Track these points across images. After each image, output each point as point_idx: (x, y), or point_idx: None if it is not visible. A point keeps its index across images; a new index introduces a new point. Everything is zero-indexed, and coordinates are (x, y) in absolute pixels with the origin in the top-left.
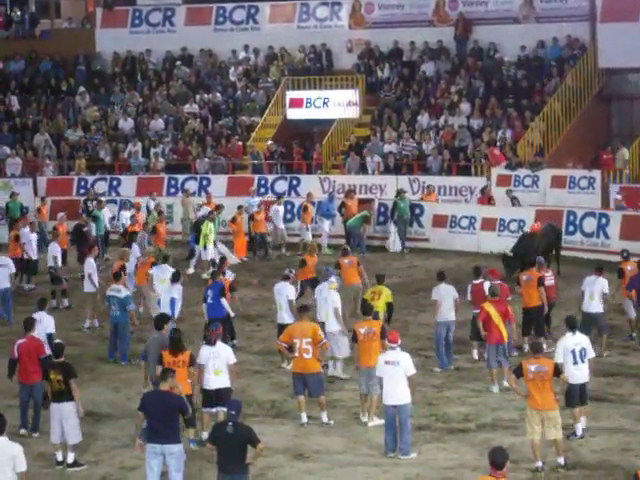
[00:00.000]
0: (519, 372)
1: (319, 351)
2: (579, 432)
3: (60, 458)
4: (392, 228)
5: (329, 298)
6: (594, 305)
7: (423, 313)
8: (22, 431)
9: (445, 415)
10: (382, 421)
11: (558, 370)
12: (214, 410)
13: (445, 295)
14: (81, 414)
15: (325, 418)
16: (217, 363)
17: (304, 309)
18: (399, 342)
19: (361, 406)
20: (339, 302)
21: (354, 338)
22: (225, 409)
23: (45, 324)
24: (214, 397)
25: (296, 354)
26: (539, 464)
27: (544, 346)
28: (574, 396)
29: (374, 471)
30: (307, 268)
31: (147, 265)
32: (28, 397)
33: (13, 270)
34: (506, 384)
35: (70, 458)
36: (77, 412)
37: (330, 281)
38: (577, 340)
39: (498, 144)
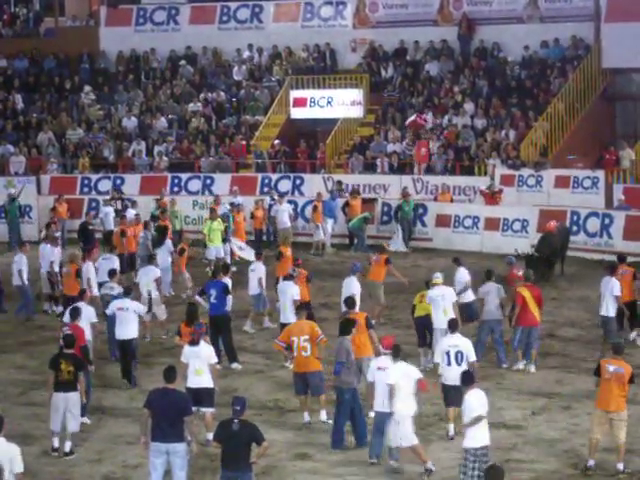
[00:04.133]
0: (597, 371)
1: (317, 348)
2: (451, 432)
3: (56, 445)
4: (398, 229)
5: (446, 293)
6: (604, 308)
7: None
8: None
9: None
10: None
11: (633, 377)
12: (194, 409)
13: (491, 294)
14: (84, 402)
15: (324, 416)
16: (198, 363)
17: (302, 307)
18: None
19: None
20: (454, 296)
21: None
22: (205, 409)
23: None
24: (194, 396)
25: (294, 353)
26: (591, 463)
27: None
28: (449, 397)
29: (377, 470)
30: (285, 260)
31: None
32: None
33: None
34: (532, 370)
35: (67, 447)
36: (80, 401)
37: (435, 276)
38: (453, 342)
39: (438, 142)
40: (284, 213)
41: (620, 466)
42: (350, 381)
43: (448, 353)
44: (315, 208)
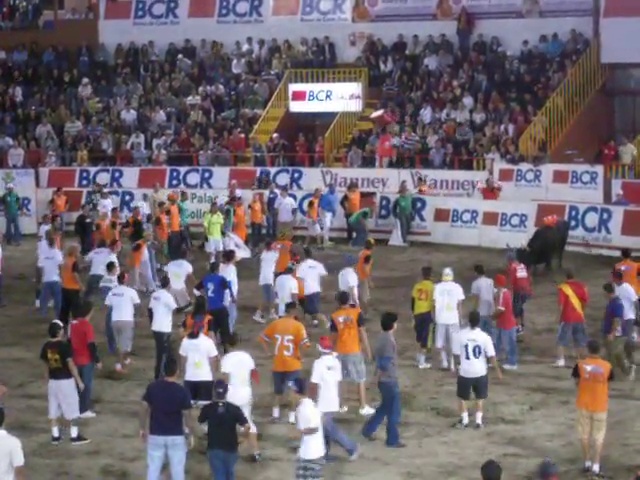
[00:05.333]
0: (576, 372)
1: (300, 350)
2: (465, 421)
3: (56, 434)
4: (397, 224)
5: (453, 289)
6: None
7: None
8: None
9: (446, 409)
10: (372, 410)
11: (613, 374)
12: (192, 402)
13: (484, 289)
14: (81, 388)
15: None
16: (197, 356)
17: (291, 305)
18: (332, 347)
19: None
20: (461, 294)
21: (333, 327)
22: (203, 402)
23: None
24: (192, 390)
25: (276, 351)
26: (588, 464)
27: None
28: (466, 389)
29: (374, 463)
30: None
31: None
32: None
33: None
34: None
35: (73, 432)
36: (76, 388)
37: (446, 273)
38: (472, 336)
39: (395, 140)
40: (287, 206)
41: (596, 467)
42: (396, 376)
43: (466, 347)
44: (311, 204)
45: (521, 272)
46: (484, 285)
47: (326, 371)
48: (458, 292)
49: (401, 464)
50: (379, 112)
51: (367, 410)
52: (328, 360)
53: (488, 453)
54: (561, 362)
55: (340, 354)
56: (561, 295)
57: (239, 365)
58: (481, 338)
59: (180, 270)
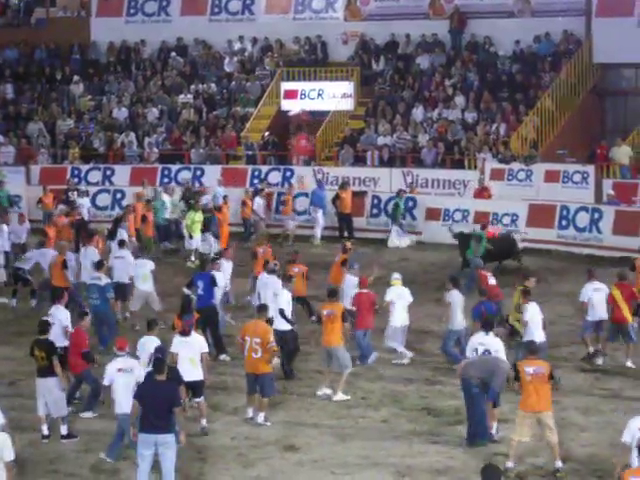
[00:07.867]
0: (517, 375)
1: (268, 353)
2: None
3: (46, 432)
4: (393, 227)
5: (403, 293)
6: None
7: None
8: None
9: (437, 409)
10: (346, 397)
11: (552, 374)
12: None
13: (456, 303)
14: (64, 387)
15: (261, 419)
16: (190, 353)
17: (262, 308)
18: (127, 349)
19: (324, 381)
20: (410, 297)
21: (319, 320)
22: (198, 400)
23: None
24: (187, 389)
25: (245, 353)
26: (510, 465)
27: None
28: None
29: (365, 463)
30: (258, 261)
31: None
32: (74, 387)
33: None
34: (630, 364)
35: (63, 430)
36: (60, 386)
37: (395, 277)
38: (483, 340)
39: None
40: (260, 206)
41: (559, 463)
42: (473, 374)
43: (476, 350)
44: (286, 201)
45: (491, 279)
46: (458, 299)
47: (116, 373)
48: (407, 295)
49: (391, 464)
50: (297, 110)
51: (340, 396)
52: (120, 362)
53: (477, 452)
54: (600, 360)
55: (324, 346)
56: (609, 297)
57: (141, 348)
58: (493, 343)
59: (145, 270)
